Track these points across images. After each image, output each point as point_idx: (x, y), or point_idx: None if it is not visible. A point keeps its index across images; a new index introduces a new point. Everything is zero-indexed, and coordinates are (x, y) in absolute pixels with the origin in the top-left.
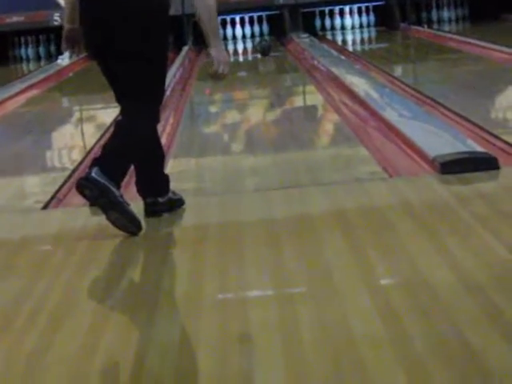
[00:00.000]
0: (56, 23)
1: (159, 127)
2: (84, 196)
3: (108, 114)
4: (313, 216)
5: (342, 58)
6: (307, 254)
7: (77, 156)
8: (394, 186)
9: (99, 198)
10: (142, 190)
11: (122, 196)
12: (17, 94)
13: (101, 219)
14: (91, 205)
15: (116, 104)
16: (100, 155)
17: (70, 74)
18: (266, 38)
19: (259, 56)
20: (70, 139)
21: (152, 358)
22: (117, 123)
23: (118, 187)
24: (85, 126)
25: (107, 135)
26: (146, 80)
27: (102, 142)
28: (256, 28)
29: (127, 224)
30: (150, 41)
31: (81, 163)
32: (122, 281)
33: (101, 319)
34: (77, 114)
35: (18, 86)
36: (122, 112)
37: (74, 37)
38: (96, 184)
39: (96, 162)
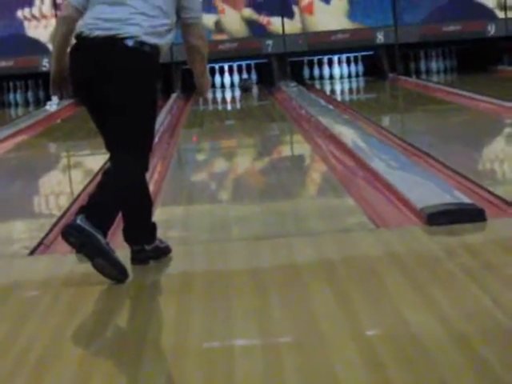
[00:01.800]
0: (45, 69)
1: (147, 174)
2: (69, 243)
3: (96, 160)
4: (299, 266)
5: (330, 107)
6: (293, 304)
7: (64, 202)
8: (380, 236)
9: (84, 245)
10: (129, 238)
11: (108, 244)
12: (4, 140)
13: (87, 266)
14: (77, 252)
15: (104, 151)
16: (87, 203)
17: (58, 120)
18: (246, 77)
19: (242, 94)
20: (57, 185)
21: None
22: (104, 171)
23: (105, 235)
24: (72, 173)
25: (94, 182)
26: (135, 131)
27: (89, 189)
28: (244, 76)
29: (113, 271)
30: (139, 95)
31: (68, 210)
32: (107, 329)
33: (87, 367)
34: (64, 161)
35: (6, 132)
36: (111, 159)
37: (62, 79)
38: (81, 231)
39: (82, 210)
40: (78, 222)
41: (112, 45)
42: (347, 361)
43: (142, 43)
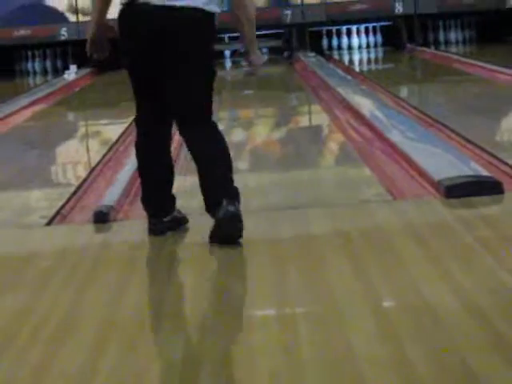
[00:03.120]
0: (63, 38)
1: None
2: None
3: (114, 129)
4: (317, 237)
5: (348, 77)
6: (310, 275)
7: (82, 172)
8: (398, 208)
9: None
10: (150, 208)
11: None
12: (23, 109)
13: (105, 236)
14: (95, 222)
15: (122, 120)
16: (214, 189)
17: (76, 89)
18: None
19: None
20: (75, 154)
21: (155, 375)
22: (196, 155)
23: None
24: (90, 142)
25: (114, 152)
26: (204, 95)
27: (106, 159)
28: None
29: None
30: (205, 59)
31: (85, 179)
32: (125, 299)
33: (103, 337)
34: (82, 130)
35: (24, 101)
36: (163, 126)
37: (100, 41)
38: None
39: (220, 197)
40: (233, 209)
41: (177, 11)
42: (362, 332)
43: (205, 11)
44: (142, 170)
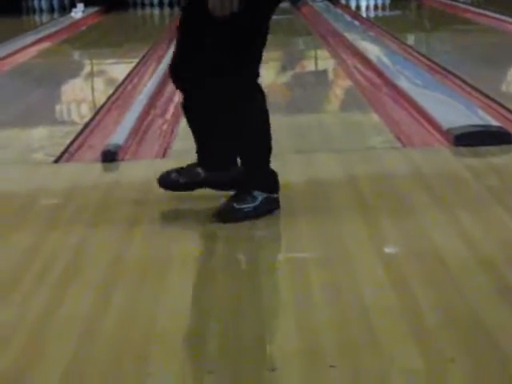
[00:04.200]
0: None
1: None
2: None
3: (120, 69)
4: (325, 182)
5: (356, 23)
6: (319, 221)
7: (88, 111)
8: (407, 155)
9: None
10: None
11: None
12: (28, 46)
13: (113, 175)
14: (103, 161)
15: (128, 59)
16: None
17: (83, 28)
18: None
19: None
20: (81, 93)
21: (163, 318)
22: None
23: None
24: (96, 81)
25: (119, 91)
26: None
27: (114, 98)
28: None
29: None
30: None
31: (92, 119)
32: (133, 239)
33: (111, 278)
34: (88, 69)
35: (30, 38)
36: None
37: None
38: None
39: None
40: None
41: None
42: (373, 278)
43: None
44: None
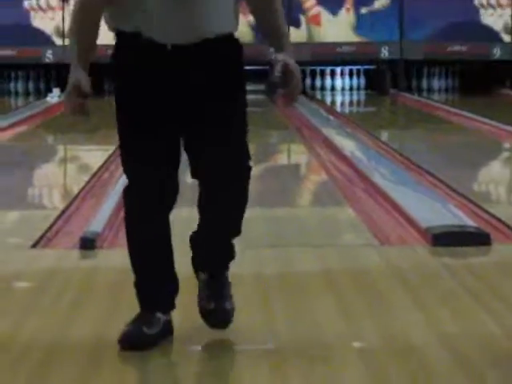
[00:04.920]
0: (48, 60)
1: None
2: None
3: (96, 155)
4: (303, 277)
5: (331, 118)
6: (298, 315)
7: (65, 196)
8: (384, 253)
9: None
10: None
11: None
12: (4, 129)
13: (92, 262)
14: (81, 247)
15: (104, 146)
16: None
17: (58, 113)
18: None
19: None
20: (58, 179)
21: None
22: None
23: None
24: (72, 167)
25: (96, 178)
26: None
27: (89, 186)
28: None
29: None
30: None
31: (70, 204)
32: (111, 325)
33: (90, 365)
34: (65, 154)
35: (6, 121)
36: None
37: (83, 92)
38: None
39: None
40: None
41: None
42: (351, 375)
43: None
44: None
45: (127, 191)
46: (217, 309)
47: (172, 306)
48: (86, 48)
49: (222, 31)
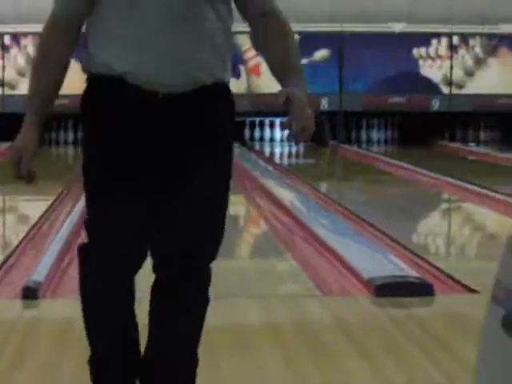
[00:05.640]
0: None
1: None
2: None
3: (35, 206)
4: (246, 329)
5: (270, 168)
6: (242, 369)
7: (6, 246)
8: (328, 304)
9: None
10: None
11: None
12: None
13: (35, 312)
14: (24, 297)
15: (43, 197)
16: None
17: None
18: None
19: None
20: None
21: None
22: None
23: None
24: (10, 218)
25: (36, 228)
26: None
27: (28, 238)
28: None
29: None
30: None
31: (10, 255)
32: (54, 375)
33: None
34: (1, 204)
35: None
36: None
37: (35, 144)
38: None
39: None
40: None
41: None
42: None
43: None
44: None
45: (85, 251)
46: None
47: None
48: (51, 93)
49: (218, 78)
